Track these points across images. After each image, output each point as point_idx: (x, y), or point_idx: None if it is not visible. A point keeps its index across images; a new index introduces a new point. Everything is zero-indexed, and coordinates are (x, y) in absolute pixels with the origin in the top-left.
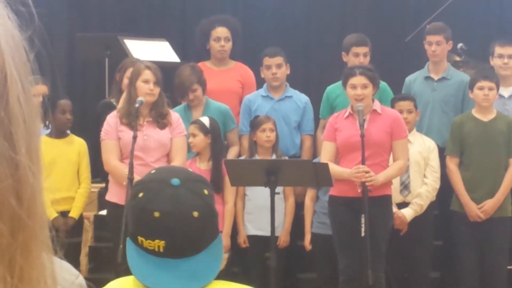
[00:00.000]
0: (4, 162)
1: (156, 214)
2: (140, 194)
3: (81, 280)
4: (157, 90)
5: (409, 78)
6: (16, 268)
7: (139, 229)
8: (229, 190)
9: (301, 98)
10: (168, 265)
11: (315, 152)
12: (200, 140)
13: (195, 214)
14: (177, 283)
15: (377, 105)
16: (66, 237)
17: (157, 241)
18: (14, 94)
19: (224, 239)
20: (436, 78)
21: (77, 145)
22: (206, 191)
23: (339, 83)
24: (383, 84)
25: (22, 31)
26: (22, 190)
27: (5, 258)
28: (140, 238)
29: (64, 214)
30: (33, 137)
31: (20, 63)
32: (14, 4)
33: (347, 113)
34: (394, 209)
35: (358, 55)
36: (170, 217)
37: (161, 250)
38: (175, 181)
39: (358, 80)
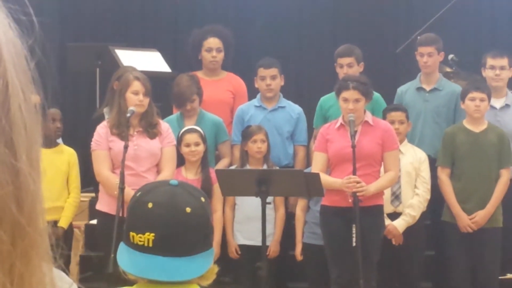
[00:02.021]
0: (5, 169)
1: (150, 205)
2: (139, 193)
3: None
4: (146, 101)
5: (401, 89)
6: (16, 275)
7: (132, 223)
8: (218, 198)
9: (294, 109)
10: (156, 260)
11: (309, 163)
12: (202, 148)
13: (188, 209)
14: (164, 275)
15: (368, 117)
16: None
17: (147, 233)
18: (15, 102)
19: (215, 247)
20: (428, 89)
21: (66, 154)
22: (203, 199)
23: (333, 93)
24: (376, 95)
25: (23, 40)
26: (23, 197)
27: (5, 265)
28: (132, 234)
29: (53, 224)
30: (34, 145)
31: (21, 71)
32: (15, 13)
33: (338, 124)
34: (386, 221)
35: (342, 66)
36: (162, 208)
37: (150, 244)
38: (174, 181)
39: (351, 94)
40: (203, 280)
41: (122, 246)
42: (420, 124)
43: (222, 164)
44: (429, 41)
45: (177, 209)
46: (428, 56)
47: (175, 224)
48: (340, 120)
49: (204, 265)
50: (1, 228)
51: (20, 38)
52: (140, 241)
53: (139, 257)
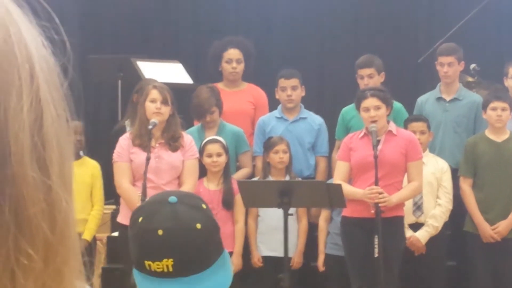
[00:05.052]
0: (37, 186)
1: (160, 232)
2: (140, 219)
3: None
4: (165, 109)
5: (420, 99)
6: None
7: (145, 253)
8: (240, 209)
9: (316, 120)
10: (180, 283)
11: (330, 174)
12: (224, 159)
13: (198, 226)
14: None
15: (392, 126)
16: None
17: (164, 260)
18: (48, 119)
19: (236, 258)
20: (448, 99)
21: (90, 167)
22: (204, 206)
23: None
24: (398, 104)
25: (56, 59)
26: (55, 215)
27: (38, 283)
28: (147, 263)
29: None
30: (66, 161)
31: (54, 88)
32: (48, 32)
33: (362, 134)
34: (408, 233)
35: (363, 77)
36: (174, 233)
37: (171, 269)
38: (172, 198)
39: (370, 102)
40: None
41: (138, 276)
42: (440, 134)
43: (241, 174)
44: (449, 51)
45: (188, 230)
46: (448, 66)
47: (192, 245)
48: (364, 130)
49: (228, 271)
50: (33, 247)
51: (52, 56)
52: (158, 268)
53: (163, 284)
